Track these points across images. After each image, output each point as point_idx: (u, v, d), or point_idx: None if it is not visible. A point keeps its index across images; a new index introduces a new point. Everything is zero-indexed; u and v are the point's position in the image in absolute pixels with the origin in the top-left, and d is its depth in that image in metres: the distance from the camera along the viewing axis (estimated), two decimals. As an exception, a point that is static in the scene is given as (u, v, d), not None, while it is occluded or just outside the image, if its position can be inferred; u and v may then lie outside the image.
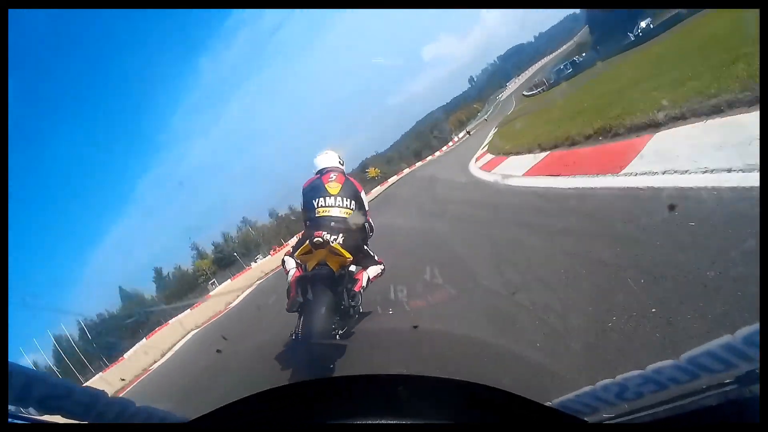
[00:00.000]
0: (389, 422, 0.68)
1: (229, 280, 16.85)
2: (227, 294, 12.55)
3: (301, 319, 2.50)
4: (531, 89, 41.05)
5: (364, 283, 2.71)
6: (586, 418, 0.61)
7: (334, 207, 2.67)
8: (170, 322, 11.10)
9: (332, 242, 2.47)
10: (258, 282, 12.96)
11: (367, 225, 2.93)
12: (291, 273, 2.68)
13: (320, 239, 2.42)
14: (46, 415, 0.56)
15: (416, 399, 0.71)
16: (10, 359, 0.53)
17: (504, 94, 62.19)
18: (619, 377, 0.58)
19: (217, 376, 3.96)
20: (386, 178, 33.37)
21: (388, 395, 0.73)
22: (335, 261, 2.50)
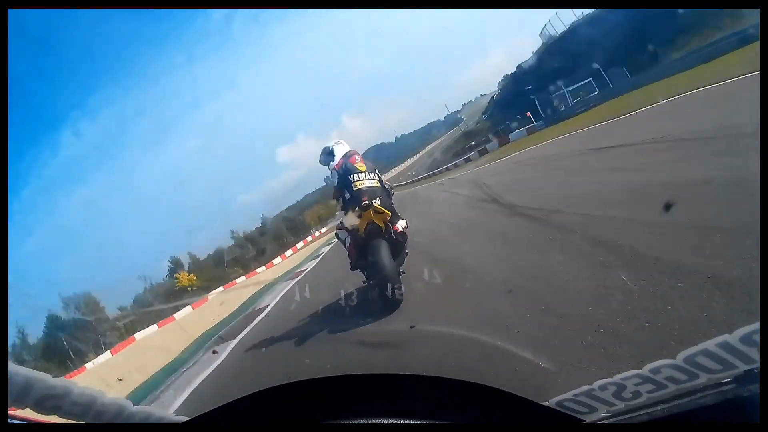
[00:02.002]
0: (389, 422, 0.67)
1: None
2: None
3: (368, 270, 3.29)
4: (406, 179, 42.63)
5: (402, 229, 3.36)
6: (583, 418, 0.61)
7: (367, 180, 3.40)
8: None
9: (375, 203, 3.19)
10: None
11: (388, 189, 3.63)
12: (347, 240, 3.44)
13: (367, 202, 3.17)
14: (44, 415, 0.56)
15: (416, 399, 0.71)
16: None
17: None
18: (616, 377, 0.58)
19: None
20: (206, 290, 19.13)
21: (387, 395, 0.73)
22: (380, 218, 3.20)
